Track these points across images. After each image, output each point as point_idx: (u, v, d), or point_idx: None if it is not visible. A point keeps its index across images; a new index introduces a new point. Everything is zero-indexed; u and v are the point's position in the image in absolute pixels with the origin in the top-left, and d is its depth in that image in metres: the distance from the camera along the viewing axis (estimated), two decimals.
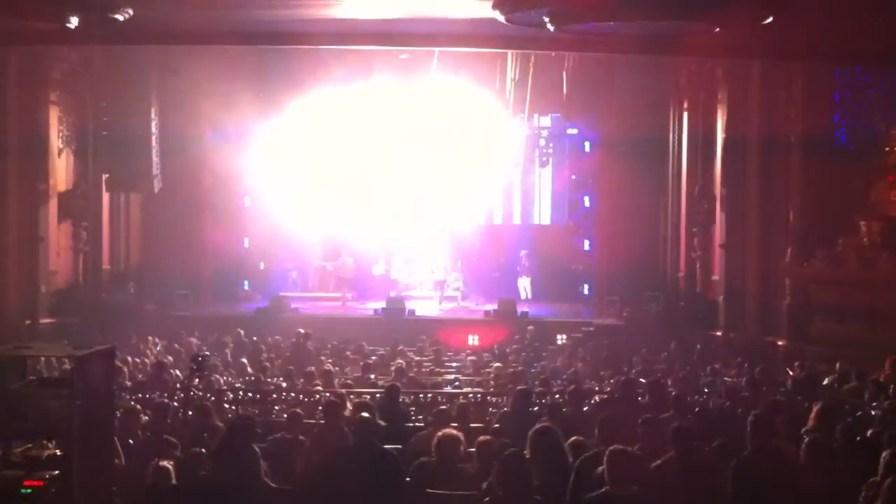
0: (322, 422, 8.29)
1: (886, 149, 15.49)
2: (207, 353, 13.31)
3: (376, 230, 25.53)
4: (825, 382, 11.49)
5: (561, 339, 18.34)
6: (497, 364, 13.47)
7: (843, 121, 16.56)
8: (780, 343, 16.20)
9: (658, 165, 20.92)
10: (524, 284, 23.59)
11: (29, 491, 6.28)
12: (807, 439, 7.04)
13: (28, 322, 17.42)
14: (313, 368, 12.38)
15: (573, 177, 25.50)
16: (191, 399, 9.41)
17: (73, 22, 12.03)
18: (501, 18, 11.79)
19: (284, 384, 11.89)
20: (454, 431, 7.17)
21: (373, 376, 12.43)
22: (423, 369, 14.12)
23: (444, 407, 8.75)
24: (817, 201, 16.28)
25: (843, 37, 12.74)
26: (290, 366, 13.17)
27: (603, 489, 5.96)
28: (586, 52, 18.84)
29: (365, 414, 7.45)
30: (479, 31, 14.80)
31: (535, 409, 9.25)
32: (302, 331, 15.99)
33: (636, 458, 6.23)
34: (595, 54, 20.06)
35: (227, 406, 10.26)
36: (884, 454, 6.56)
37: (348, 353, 15.06)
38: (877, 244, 15.02)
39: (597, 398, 10.41)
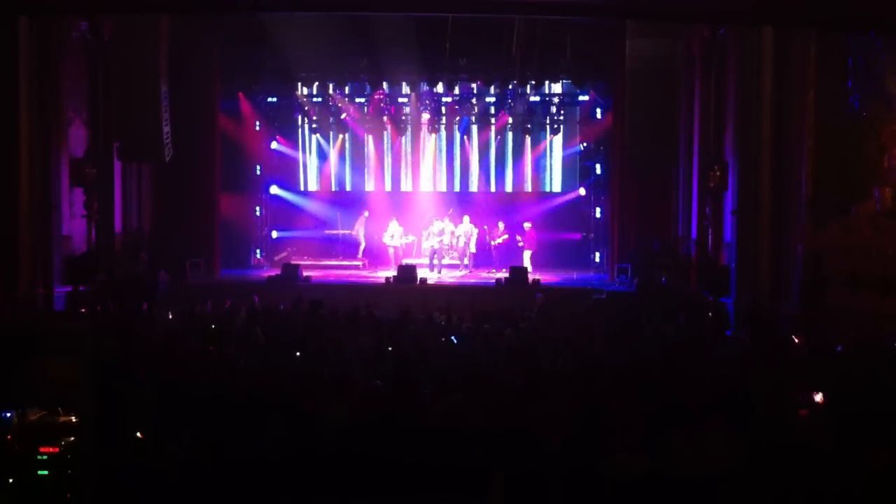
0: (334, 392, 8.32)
1: None
2: (221, 322, 13.37)
3: (388, 198, 25.71)
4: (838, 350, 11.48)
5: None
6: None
7: (856, 87, 16.39)
8: (791, 311, 16.15)
9: (670, 132, 20.78)
10: (525, 258, 23.25)
11: (45, 458, 6.34)
12: (819, 408, 7.06)
13: (42, 291, 17.52)
14: (325, 337, 12.39)
15: (584, 144, 25.43)
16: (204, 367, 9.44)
17: None
18: None
19: (297, 353, 11.91)
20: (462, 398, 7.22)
21: (387, 348, 12.43)
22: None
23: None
24: (830, 168, 16.16)
25: (856, 4, 12.62)
26: (302, 335, 13.16)
27: None
28: (599, 16, 18.76)
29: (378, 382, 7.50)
30: None
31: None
32: (313, 300, 16.01)
33: None
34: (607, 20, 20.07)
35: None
36: None
37: (359, 320, 15.05)
38: (890, 211, 14.91)
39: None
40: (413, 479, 6.26)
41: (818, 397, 7.74)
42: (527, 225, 23.51)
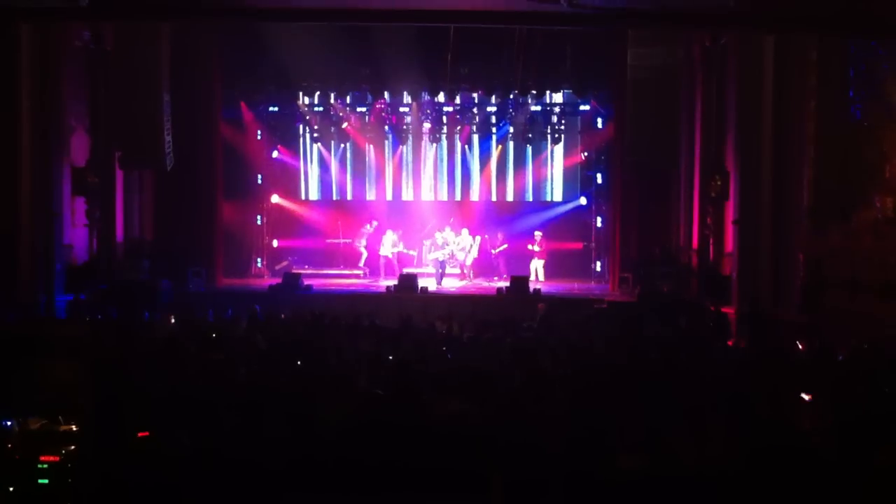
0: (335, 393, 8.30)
1: None
2: (222, 330, 13.36)
3: (389, 207, 25.70)
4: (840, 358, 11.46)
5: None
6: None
7: (857, 95, 16.42)
8: (793, 318, 16.15)
9: (671, 140, 20.80)
10: (536, 266, 23.36)
11: (45, 466, 6.33)
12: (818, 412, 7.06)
13: (44, 299, 17.54)
14: (326, 344, 12.37)
15: (585, 153, 25.45)
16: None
17: None
18: None
19: (298, 362, 11.89)
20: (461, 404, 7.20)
21: (388, 356, 12.41)
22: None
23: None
24: (831, 176, 16.19)
25: (857, 9, 12.65)
26: (303, 342, 13.14)
27: None
28: (600, 26, 18.81)
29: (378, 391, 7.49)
30: (494, 7, 14.79)
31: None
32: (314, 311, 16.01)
33: None
34: (608, 29, 20.11)
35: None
36: None
37: (361, 329, 15.04)
38: (891, 218, 14.94)
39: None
40: (413, 480, 6.24)
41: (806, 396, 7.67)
42: (538, 234, 23.55)
